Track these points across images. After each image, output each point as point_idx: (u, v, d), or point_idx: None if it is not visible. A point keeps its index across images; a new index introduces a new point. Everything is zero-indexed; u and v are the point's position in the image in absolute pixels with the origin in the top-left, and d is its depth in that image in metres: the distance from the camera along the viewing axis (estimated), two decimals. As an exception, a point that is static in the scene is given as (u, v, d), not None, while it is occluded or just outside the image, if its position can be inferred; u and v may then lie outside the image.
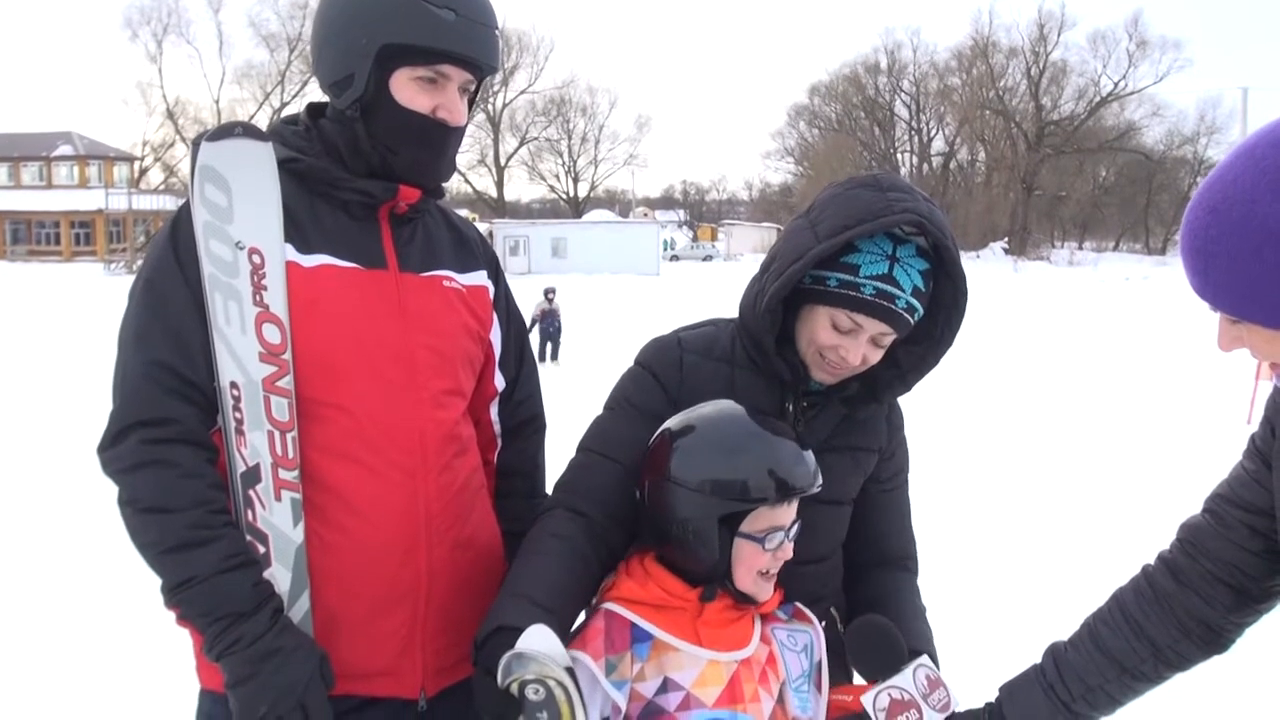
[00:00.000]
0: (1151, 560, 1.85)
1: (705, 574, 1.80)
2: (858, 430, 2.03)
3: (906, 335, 1.92)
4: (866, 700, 1.80)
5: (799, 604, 1.95)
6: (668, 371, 1.98)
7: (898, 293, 1.83)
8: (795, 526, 1.83)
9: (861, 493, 2.08)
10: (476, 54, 1.87)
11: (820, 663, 1.91)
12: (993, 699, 1.87)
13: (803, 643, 1.91)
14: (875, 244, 1.84)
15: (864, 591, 2.08)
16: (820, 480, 1.82)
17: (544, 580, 1.79)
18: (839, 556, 2.09)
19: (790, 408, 1.96)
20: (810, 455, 1.81)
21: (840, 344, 1.87)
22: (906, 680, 1.80)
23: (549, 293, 17.52)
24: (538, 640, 1.61)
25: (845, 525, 2.08)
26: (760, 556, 1.79)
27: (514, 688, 1.60)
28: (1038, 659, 1.88)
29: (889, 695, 1.79)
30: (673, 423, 1.86)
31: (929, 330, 1.94)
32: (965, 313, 1.92)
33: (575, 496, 1.92)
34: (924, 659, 1.83)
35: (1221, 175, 1.39)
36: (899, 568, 2.11)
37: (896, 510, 2.13)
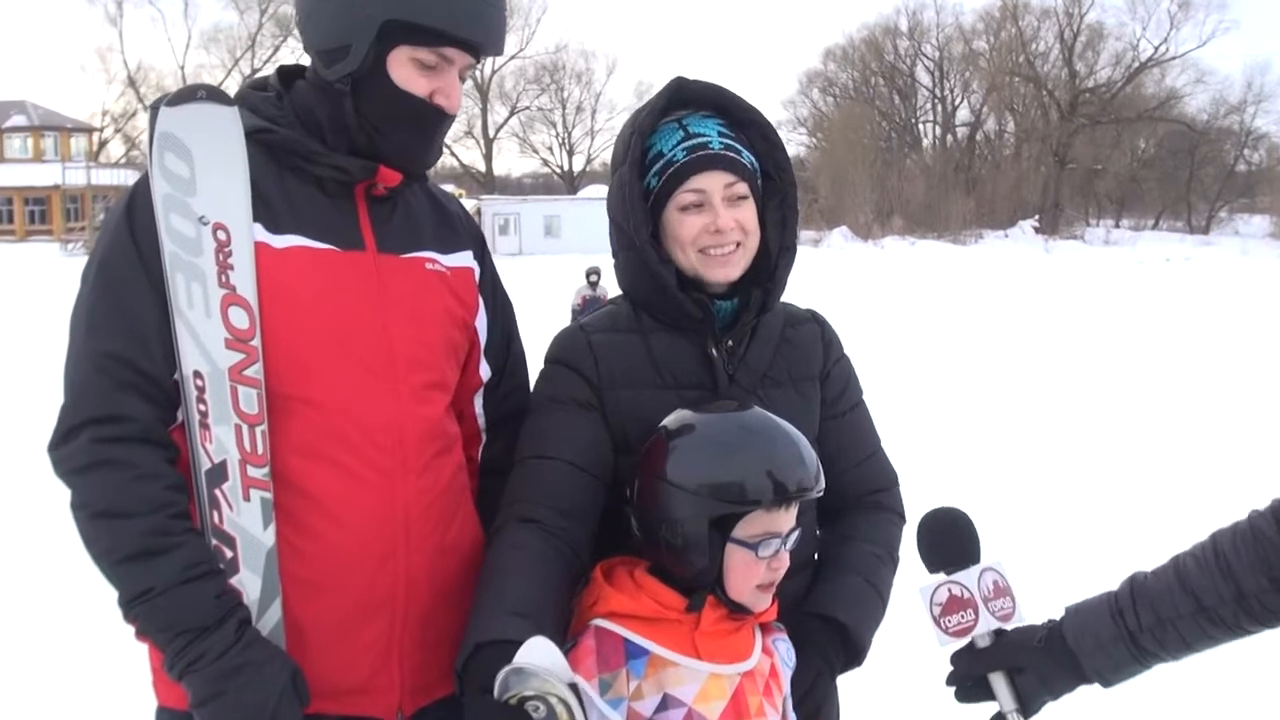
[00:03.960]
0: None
1: (696, 581, 1.81)
2: (796, 358, 2.09)
3: (761, 211, 2.04)
4: (924, 591, 1.82)
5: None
6: (579, 358, 2.03)
7: (705, 138, 1.99)
8: (794, 535, 1.84)
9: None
10: (485, 39, 1.86)
11: None
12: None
13: (793, 656, 1.92)
14: (663, 131, 2.03)
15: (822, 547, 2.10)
16: (823, 483, 1.83)
17: (514, 591, 1.79)
18: (813, 514, 2.10)
19: (714, 352, 2.01)
20: (811, 457, 1.83)
21: (704, 222, 1.97)
22: (970, 579, 1.81)
23: (593, 275, 15.10)
24: (538, 654, 1.61)
25: None
26: (755, 566, 1.80)
27: (513, 703, 1.59)
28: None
29: (948, 590, 1.81)
30: (669, 421, 1.89)
31: (771, 189, 2.07)
32: (784, 146, 2.08)
33: (522, 505, 1.94)
34: (998, 563, 1.83)
35: None
36: (868, 506, 2.12)
37: (852, 438, 2.13)
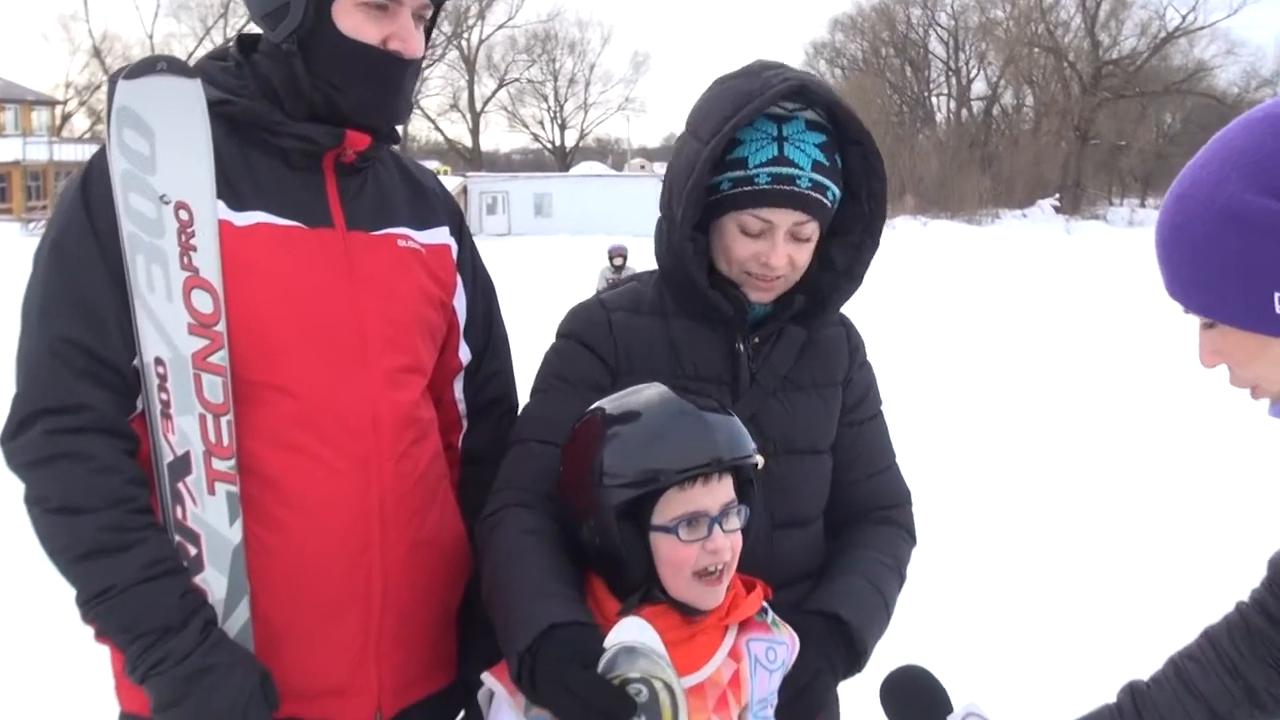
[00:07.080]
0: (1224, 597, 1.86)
1: (629, 582, 1.76)
2: (820, 361, 2.06)
3: (836, 225, 1.98)
4: None
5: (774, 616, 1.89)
6: (598, 336, 2.01)
7: (796, 172, 1.89)
8: (739, 514, 1.76)
9: None
10: None
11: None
12: None
13: (782, 657, 1.85)
14: (759, 130, 1.90)
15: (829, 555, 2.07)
16: (744, 450, 1.75)
17: (553, 574, 1.77)
18: (819, 525, 2.08)
19: (740, 347, 1.99)
20: (728, 424, 1.76)
21: (758, 250, 1.91)
22: None
23: (616, 255, 14.03)
24: (642, 634, 1.62)
25: (828, 480, 2.08)
26: (682, 551, 1.71)
27: (615, 684, 1.59)
28: (1084, 672, 1.88)
29: None
30: (567, 421, 1.87)
31: (856, 211, 2.00)
32: (884, 176, 1.99)
33: (519, 491, 1.92)
34: (972, 705, 1.81)
35: (1194, 161, 1.45)
36: (878, 520, 2.10)
37: (867, 449, 2.11)
